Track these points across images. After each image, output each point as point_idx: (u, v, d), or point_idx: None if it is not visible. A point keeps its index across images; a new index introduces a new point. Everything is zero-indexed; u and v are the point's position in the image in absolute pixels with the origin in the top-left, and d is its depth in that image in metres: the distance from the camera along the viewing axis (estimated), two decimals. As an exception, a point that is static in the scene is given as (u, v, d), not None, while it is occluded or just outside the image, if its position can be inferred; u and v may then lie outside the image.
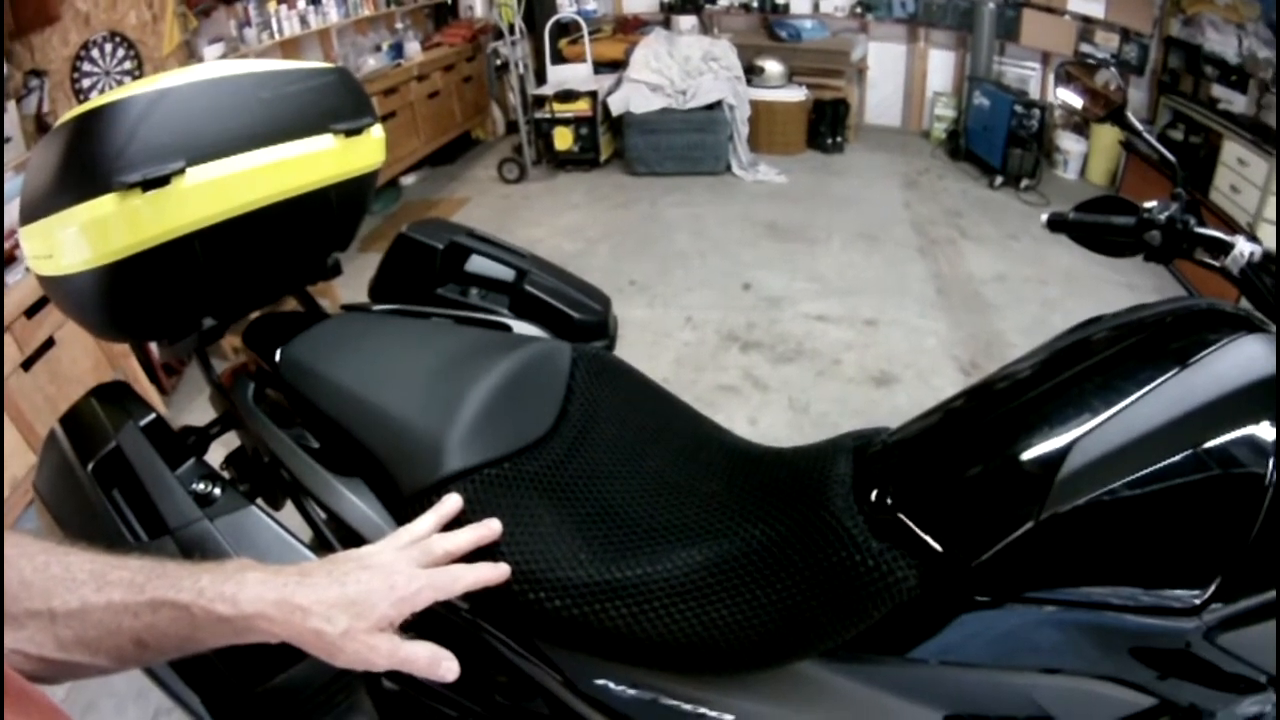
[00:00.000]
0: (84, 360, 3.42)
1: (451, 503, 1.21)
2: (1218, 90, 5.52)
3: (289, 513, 1.53)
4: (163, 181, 1.27)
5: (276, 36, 5.69)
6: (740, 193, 7.07)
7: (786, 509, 1.28)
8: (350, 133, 1.54)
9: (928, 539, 1.15)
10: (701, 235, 6.09)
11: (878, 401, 3.93)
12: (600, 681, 1.31)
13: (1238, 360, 1.18)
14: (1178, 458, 1.10)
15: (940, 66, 8.39)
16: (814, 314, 4.87)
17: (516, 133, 7.57)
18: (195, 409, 3.73)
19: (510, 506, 1.27)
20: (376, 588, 0.96)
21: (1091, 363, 1.27)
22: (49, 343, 3.22)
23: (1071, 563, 1.14)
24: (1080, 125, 7.14)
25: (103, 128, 1.26)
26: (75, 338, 3.33)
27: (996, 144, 6.94)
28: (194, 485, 1.33)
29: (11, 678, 0.61)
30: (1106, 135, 6.74)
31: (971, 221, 6.29)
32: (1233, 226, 4.42)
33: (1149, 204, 1.52)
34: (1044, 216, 1.68)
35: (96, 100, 1.29)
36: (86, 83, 4.06)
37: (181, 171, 1.29)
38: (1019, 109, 6.70)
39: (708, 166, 7.40)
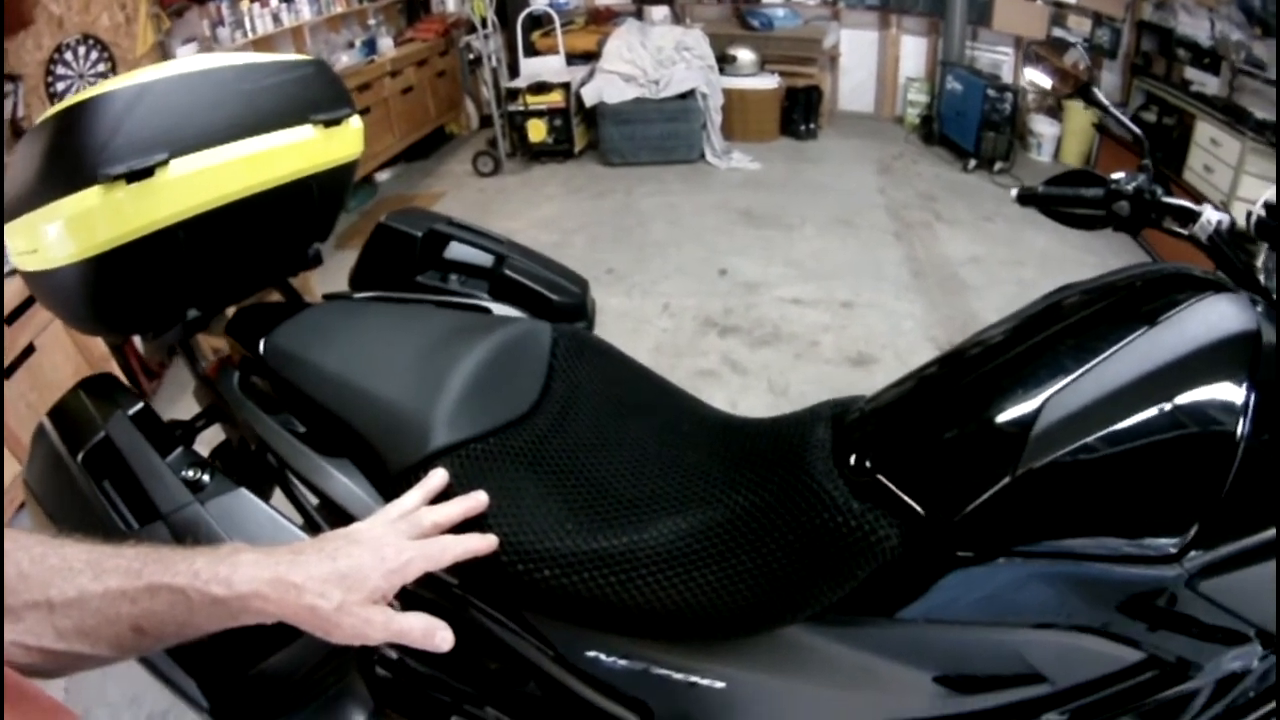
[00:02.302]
0: (65, 366, 3.40)
1: (438, 477, 1.22)
2: (1190, 73, 5.56)
3: (277, 501, 1.54)
4: (147, 173, 1.28)
5: (250, 35, 5.68)
6: (715, 181, 7.11)
7: (768, 476, 1.30)
8: (329, 123, 1.56)
9: (907, 499, 1.17)
10: (677, 224, 6.12)
11: (856, 382, 3.94)
12: (591, 654, 1.32)
13: (1206, 318, 1.21)
14: (1148, 412, 1.12)
15: (912, 52, 8.43)
16: (790, 298, 4.91)
17: (491, 126, 7.59)
18: (176, 412, 3.71)
19: (496, 480, 1.28)
20: (367, 561, 0.98)
21: (1062, 326, 1.30)
22: (29, 349, 3.20)
23: (1051, 516, 1.16)
24: (1053, 108, 7.20)
25: (87, 121, 1.26)
26: (56, 344, 3.32)
27: (970, 128, 6.98)
28: (184, 472, 1.33)
29: (9, 677, 0.62)
30: (1079, 117, 6.81)
31: (946, 205, 6.34)
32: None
33: (1117, 175, 1.55)
34: (1014, 191, 1.71)
35: (80, 95, 1.30)
36: (61, 86, 4.04)
37: (165, 163, 1.30)
38: (991, 93, 6.75)
39: (682, 155, 7.43)
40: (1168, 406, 1.13)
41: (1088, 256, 4.95)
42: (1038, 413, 1.15)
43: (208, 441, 1.73)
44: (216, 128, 1.40)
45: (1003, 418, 1.19)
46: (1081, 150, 6.98)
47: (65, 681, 2.52)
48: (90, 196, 1.25)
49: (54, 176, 1.28)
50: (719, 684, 1.30)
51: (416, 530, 1.08)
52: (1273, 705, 1.38)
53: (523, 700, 1.50)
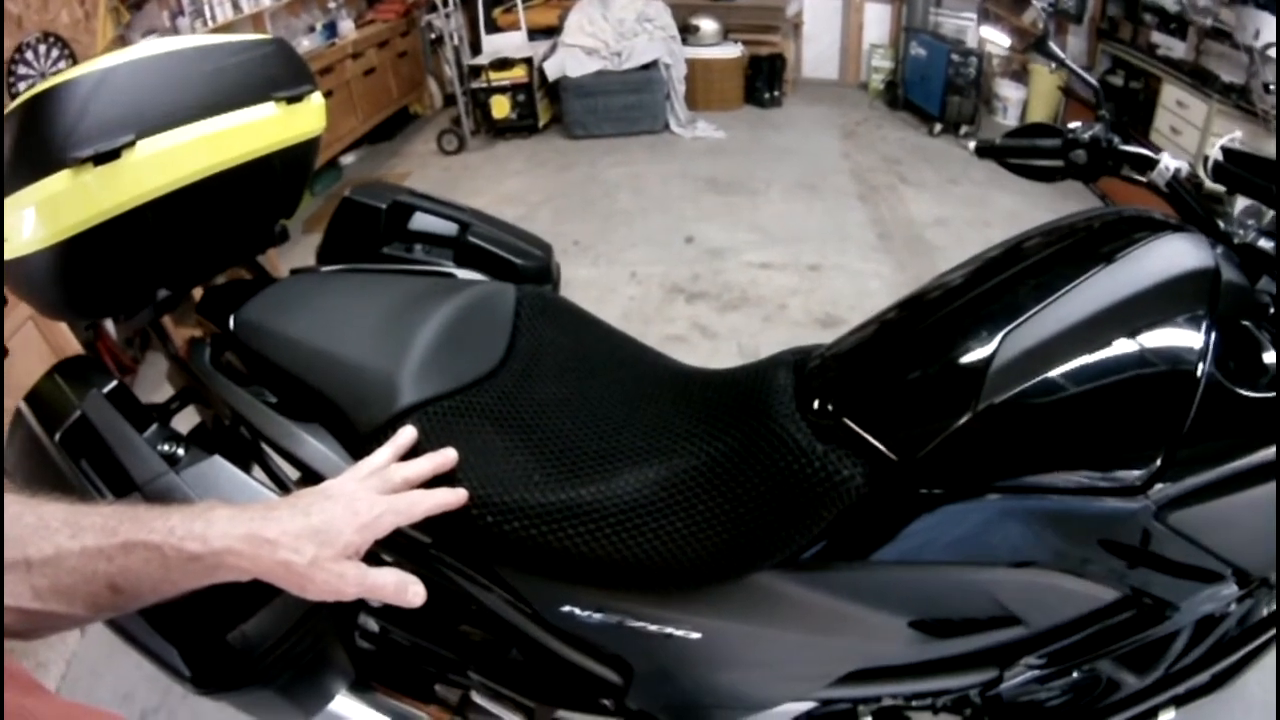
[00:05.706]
0: (39, 370, 3.35)
1: (407, 434, 1.24)
2: (1157, 37, 5.57)
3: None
4: (114, 155, 1.28)
5: (210, 24, 5.59)
6: (679, 150, 7.11)
7: (732, 424, 1.32)
8: (291, 100, 1.56)
9: (870, 439, 1.19)
10: (642, 193, 6.13)
11: (825, 342, 3.88)
12: (566, 609, 1.34)
13: (1163, 255, 1.24)
14: (1107, 346, 1.15)
15: (876, 19, 8.46)
16: (757, 263, 4.93)
17: (454, 105, 7.55)
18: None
19: (463, 436, 1.30)
20: (340, 515, 1.00)
21: (1020, 267, 1.32)
22: (2, 353, 3.18)
23: (1016, 451, 1.19)
24: (1018, 72, 7.22)
25: (53, 108, 1.26)
26: (29, 347, 3.27)
27: (934, 92, 7.01)
28: (159, 447, 1.34)
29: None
30: (1045, 80, 6.84)
31: (911, 168, 6.37)
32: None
33: (1074, 124, 1.57)
34: (971, 144, 1.73)
35: (46, 83, 1.30)
36: (23, 86, 3.93)
37: (131, 144, 1.30)
38: (956, 57, 6.77)
39: (646, 126, 7.44)
40: (1127, 341, 1.16)
41: (1054, 217, 4.94)
42: (996, 349, 1.17)
43: (182, 426, 1.74)
44: (181, 108, 1.40)
45: (962, 355, 1.21)
46: (1047, 113, 6.98)
47: (56, 682, 2.52)
48: (59, 180, 1.25)
49: (23, 163, 1.27)
50: (694, 635, 1.32)
51: (387, 486, 1.10)
52: (1253, 647, 1.42)
53: (506, 666, 1.53)
